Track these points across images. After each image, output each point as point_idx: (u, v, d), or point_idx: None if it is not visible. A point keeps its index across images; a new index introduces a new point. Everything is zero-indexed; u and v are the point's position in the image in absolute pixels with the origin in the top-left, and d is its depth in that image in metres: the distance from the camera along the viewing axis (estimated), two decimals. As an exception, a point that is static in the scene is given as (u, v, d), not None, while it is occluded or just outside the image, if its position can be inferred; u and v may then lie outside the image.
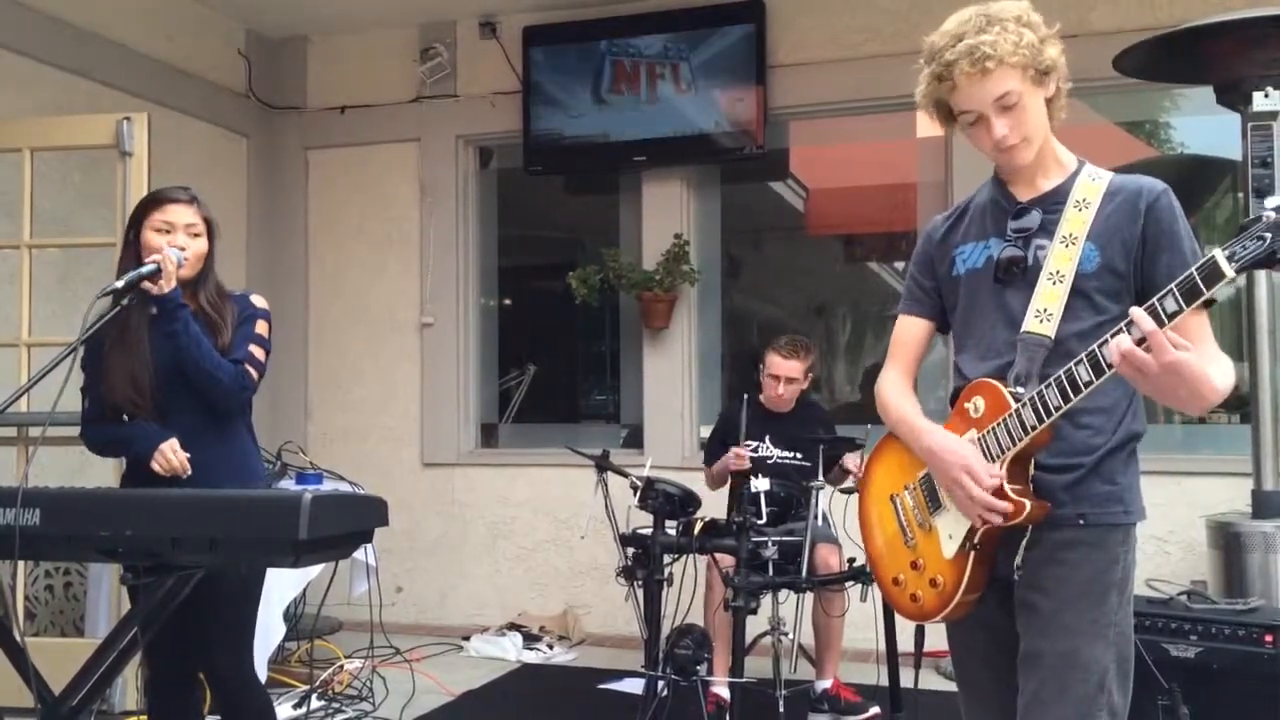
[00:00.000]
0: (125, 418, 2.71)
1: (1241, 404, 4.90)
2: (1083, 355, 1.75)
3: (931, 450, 1.95)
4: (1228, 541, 3.74)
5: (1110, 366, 1.70)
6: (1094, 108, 5.21)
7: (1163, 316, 1.65)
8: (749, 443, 4.24)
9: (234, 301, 2.80)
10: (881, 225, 6.64)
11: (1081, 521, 1.89)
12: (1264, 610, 3.27)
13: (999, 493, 1.85)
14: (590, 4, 5.62)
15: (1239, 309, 4.83)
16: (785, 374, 4.27)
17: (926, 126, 5.37)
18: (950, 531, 1.95)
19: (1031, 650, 1.91)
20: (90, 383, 2.74)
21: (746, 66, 5.35)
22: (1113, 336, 1.69)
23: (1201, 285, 1.62)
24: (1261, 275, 3.82)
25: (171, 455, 2.63)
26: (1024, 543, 1.89)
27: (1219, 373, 1.72)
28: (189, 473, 2.63)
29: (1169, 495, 4.66)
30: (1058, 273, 1.89)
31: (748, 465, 4.07)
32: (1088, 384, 1.76)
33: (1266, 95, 3.68)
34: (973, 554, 1.91)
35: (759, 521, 3.65)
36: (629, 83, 5.52)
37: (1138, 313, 1.65)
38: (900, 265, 7.03)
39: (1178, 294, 1.64)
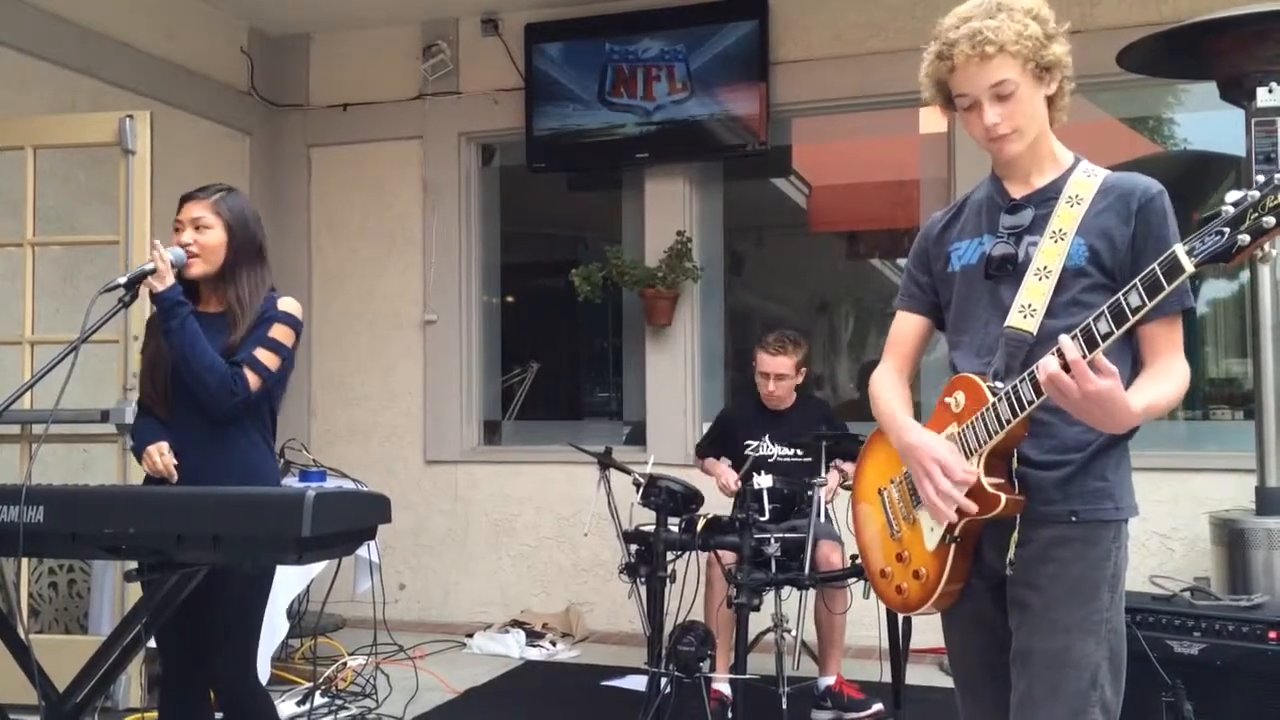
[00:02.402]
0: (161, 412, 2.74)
1: (1245, 400, 4.89)
2: (1036, 366, 1.76)
3: (909, 445, 1.96)
4: (1231, 538, 3.73)
5: None
6: (1097, 103, 5.20)
7: (1127, 312, 1.68)
8: (749, 441, 4.26)
9: (265, 302, 2.77)
10: (884, 222, 6.63)
11: (1073, 518, 1.89)
12: (1268, 607, 3.27)
13: (977, 488, 1.85)
14: (592, 0, 5.62)
15: (1242, 305, 4.83)
16: (775, 371, 4.26)
17: (930, 122, 5.42)
18: (932, 524, 1.97)
19: (1023, 648, 1.91)
20: None
21: (749, 63, 5.35)
22: (1050, 354, 1.73)
23: (1163, 280, 1.65)
24: (1265, 272, 3.82)
25: (157, 458, 2.63)
26: (1014, 539, 1.90)
27: (1156, 394, 1.80)
28: (175, 478, 2.62)
29: (1173, 491, 4.66)
30: (1044, 268, 1.90)
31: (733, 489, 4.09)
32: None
33: (1270, 91, 3.67)
34: (953, 546, 1.93)
35: (762, 518, 3.66)
36: (632, 83, 5.51)
37: (1064, 340, 1.70)
38: (903, 262, 7.01)
39: (1141, 289, 1.68)
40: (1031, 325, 1.89)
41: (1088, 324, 1.72)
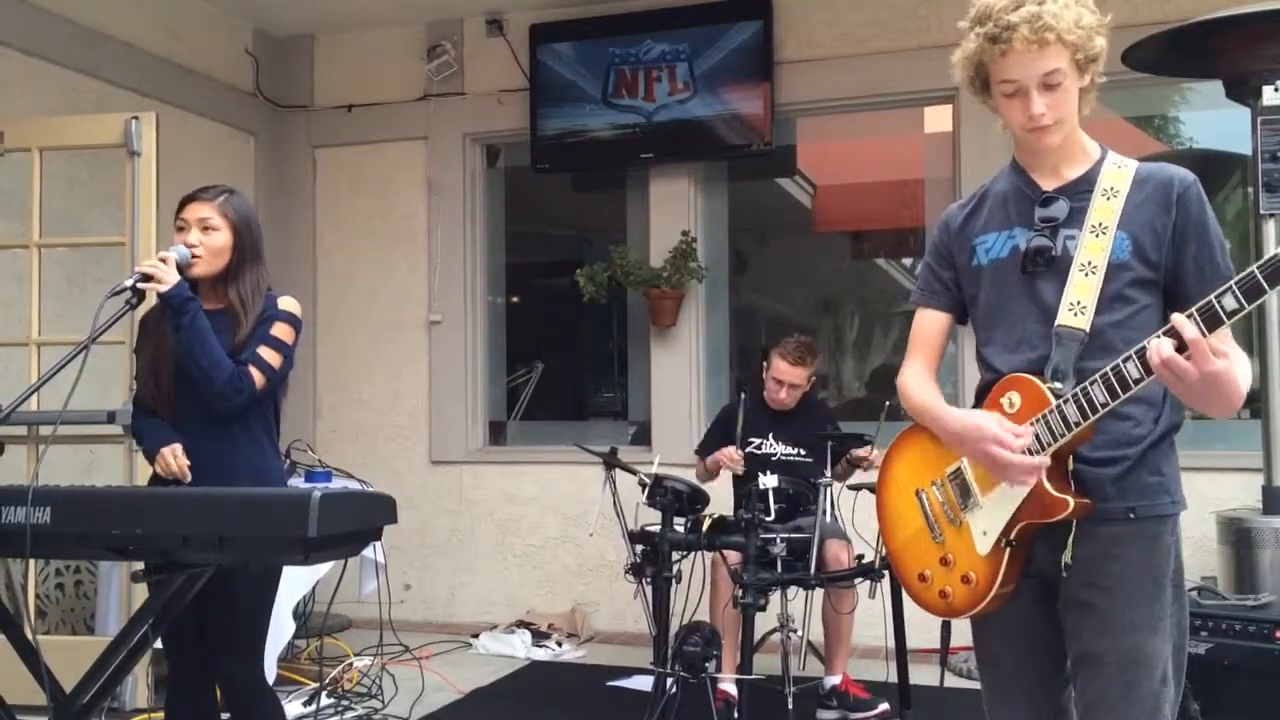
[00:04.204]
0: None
1: (1252, 399, 4.88)
2: (1131, 353, 1.72)
3: (957, 434, 1.91)
4: (1238, 537, 3.73)
5: None
6: (1103, 102, 5.15)
7: (1221, 315, 1.63)
8: (752, 439, 4.25)
9: (265, 301, 2.78)
10: (889, 221, 6.63)
11: (1131, 515, 1.86)
12: (1274, 606, 3.27)
13: (1041, 492, 1.81)
14: (597, 1, 5.62)
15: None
16: (790, 380, 4.26)
17: (935, 122, 5.41)
18: (984, 527, 1.91)
19: (1092, 651, 1.87)
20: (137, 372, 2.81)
21: (754, 63, 5.34)
22: (1156, 337, 1.67)
23: (1264, 283, 1.60)
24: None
25: (171, 460, 2.63)
26: (1071, 539, 1.86)
27: (1246, 377, 1.73)
28: (189, 479, 2.63)
29: (1179, 491, 4.64)
30: (1089, 264, 1.85)
31: (740, 470, 4.07)
32: (1137, 381, 1.72)
33: (1276, 89, 3.67)
34: (1009, 550, 1.87)
35: (767, 518, 3.65)
36: (634, 85, 5.51)
37: (1179, 319, 1.64)
38: (908, 261, 7.02)
39: (1238, 292, 1.61)
40: (1083, 322, 1.84)
41: (1191, 311, 1.65)
